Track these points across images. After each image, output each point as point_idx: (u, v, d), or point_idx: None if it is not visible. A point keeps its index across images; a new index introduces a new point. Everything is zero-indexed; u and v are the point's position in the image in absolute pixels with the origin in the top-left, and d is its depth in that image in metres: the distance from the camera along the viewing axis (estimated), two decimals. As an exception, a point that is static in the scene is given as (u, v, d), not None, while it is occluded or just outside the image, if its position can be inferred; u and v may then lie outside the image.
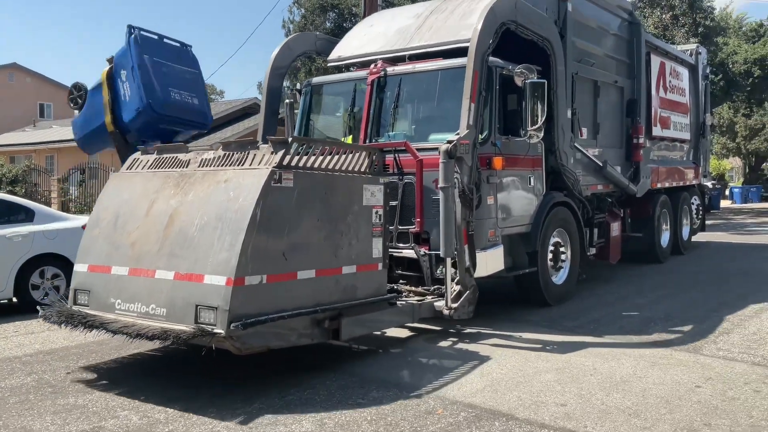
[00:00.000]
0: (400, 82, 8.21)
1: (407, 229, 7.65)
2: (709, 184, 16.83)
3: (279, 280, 5.41)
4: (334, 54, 9.30)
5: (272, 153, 5.53)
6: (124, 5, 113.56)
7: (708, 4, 26.18)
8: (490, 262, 7.57)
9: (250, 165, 5.56)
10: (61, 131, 32.40)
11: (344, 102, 8.79)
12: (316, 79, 9.14)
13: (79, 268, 6.08)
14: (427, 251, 7.50)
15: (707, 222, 16.82)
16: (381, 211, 6.46)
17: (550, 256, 8.72)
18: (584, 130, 9.99)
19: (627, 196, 11.44)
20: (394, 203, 7.67)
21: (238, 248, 5.10)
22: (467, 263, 7.10)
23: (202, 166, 5.88)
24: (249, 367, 5.89)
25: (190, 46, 8.78)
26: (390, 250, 7.68)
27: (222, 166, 5.75)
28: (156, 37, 8.42)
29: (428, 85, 8.14)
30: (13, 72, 43.43)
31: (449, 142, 6.84)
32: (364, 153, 6.41)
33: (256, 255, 5.20)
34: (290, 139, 5.60)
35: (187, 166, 6.00)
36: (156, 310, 5.39)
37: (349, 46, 9.30)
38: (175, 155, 6.21)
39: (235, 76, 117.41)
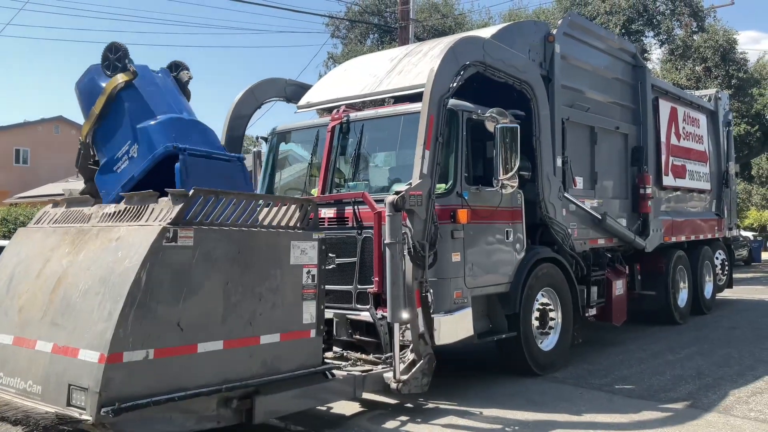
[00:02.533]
0: (362, 128, 7.55)
1: (366, 289, 6.86)
2: (749, 235, 15.62)
3: (172, 355, 4.65)
4: (304, 100, 8.72)
5: (171, 207, 4.85)
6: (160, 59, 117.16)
7: (741, 55, 25.23)
8: (456, 326, 6.69)
9: (146, 221, 4.89)
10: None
11: (309, 150, 8.15)
12: (281, 127, 8.55)
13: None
14: (384, 314, 6.68)
15: (747, 275, 15.60)
16: (314, 271, 5.69)
17: (535, 318, 7.78)
18: (579, 180, 9.13)
19: (636, 251, 10.44)
20: (351, 260, 6.92)
21: (115, 318, 4.39)
22: (421, 329, 6.25)
23: (102, 221, 5.24)
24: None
25: (243, 158, 6.83)
26: (347, 313, 6.96)
27: (119, 221, 5.10)
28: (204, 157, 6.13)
29: (390, 132, 7.46)
30: (59, 124, 44.71)
31: (397, 193, 6.10)
32: (293, 205, 5.69)
33: (140, 326, 4.47)
34: (191, 192, 4.92)
35: (87, 221, 5.37)
36: (33, 387, 4.68)
37: (319, 92, 8.72)
38: (80, 209, 5.59)
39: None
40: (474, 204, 7.00)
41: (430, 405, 6.57)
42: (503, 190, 7.07)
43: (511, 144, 6.86)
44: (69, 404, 4.40)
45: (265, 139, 8.63)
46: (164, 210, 4.87)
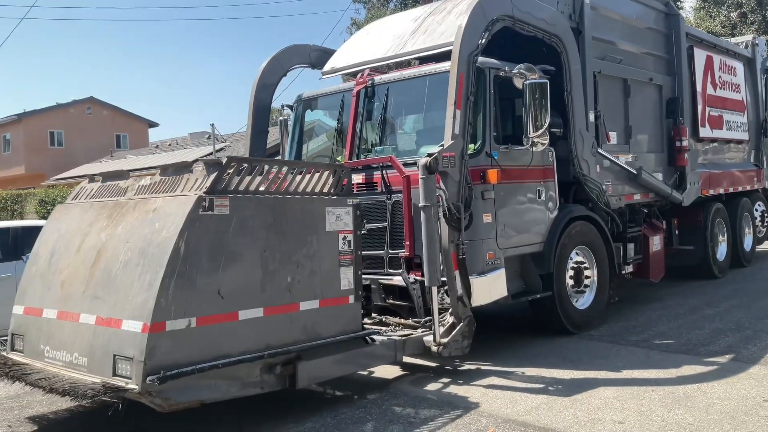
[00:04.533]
0: (387, 91, 7.44)
1: (397, 254, 6.84)
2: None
3: (214, 323, 4.71)
4: (328, 65, 8.62)
5: (205, 176, 4.85)
6: (181, 33, 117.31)
7: (778, -2, 24.34)
8: (490, 288, 6.64)
9: (181, 191, 4.90)
10: (136, 160, 33.50)
11: (335, 116, 8.08)
12: (306, 93, 8.47)
13: (17, 310, 5.56)
14: (417, 278, 6.66)
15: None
16: (350, 237, 5.69)
17: (570, 277, 7.70)
18: (613, 135, 8.92)
19: (673, 205, 10.23)
20: (381, 225, 6.90)
21: (156, 288, 4.43)
22: (459, 291, 6.23)
23: (138, 194, 5.27)
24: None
25: None
26: (380, 278, 6.96)
27: (155, 193, 5.12)
28: None
29: (417, 93, 7.34)
30: (91, 105, 45.13)
31: (429, 155, 6.03)
32: (327, 172, 5.67)
33: (181, 295, 4.52)
34: (225, 160, 4.91)
35: (124, 195, 5.41)
36: (79, 359, 4.78)
37: (343, 57, 8.60)
38: (116, 182, 5.63)
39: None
40: (504, 164, 6.90)
41: (469, 366, 6.58)
42: (534, 149, 6.94)
43: (541, 100, 6.71)
44: (115, 374, 4.48)
45: (291, 107, 8.58)
46: (199, 179, 4.88)
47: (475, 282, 6.47)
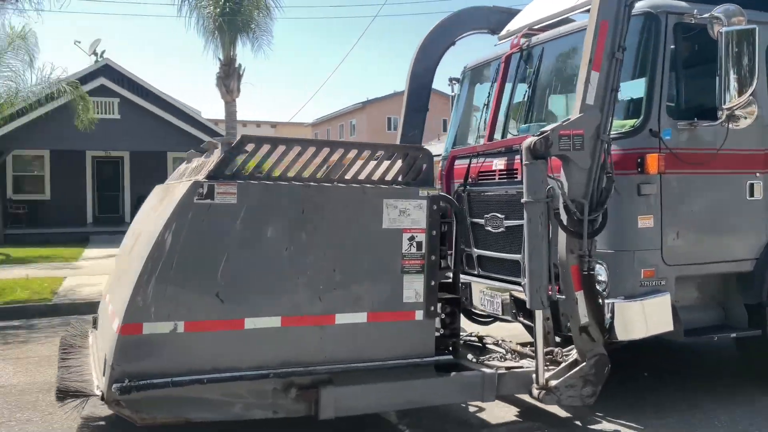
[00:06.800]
0: (541, 54, 5.89)
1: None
2: None
3: (210, 329, 4.02)
4: (504, 30, 7.23)
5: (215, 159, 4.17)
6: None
7: None
8: (645, 317, 4.79)
9: (197, 175, 4.29)
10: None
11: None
12: (472, 62, 7.22)
13: (103, 292, 5.56)
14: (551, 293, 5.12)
15: None
16: (421, 237, 4.50)
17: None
18: None
19: None
20: (519, 222, 5.48)
21: (132, 285, 3.89)
22: (582, 320, 4.59)
23: (184, 177, 4.81)
24: None
25: None
26: (513, 288, 5.59)
27: (189, 176, 4.60)
28: None
29: (575, 55, 5.64)
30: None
31: (541, 133, 4.50)
32: (394, 154, 4.55)
33: (164, 295, 3.91)
34: (236, 140, 4.15)
35: (182, 177, 5.00)
36: (105, 357, 4.48)
37: (519, 17, 7.13)
38: (187, 164, 5.26)
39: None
40: (684, 146, 4.92)
41: (609, 425, 4.86)
42: (733, 124, 4.82)
43: (745, 55, 4.60)
44: (103, 375, 4.07)
45: (458, 80, 7.42)
46: (213, 162, 4.21)
47: (620, 308, 4.72)
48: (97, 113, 21.15)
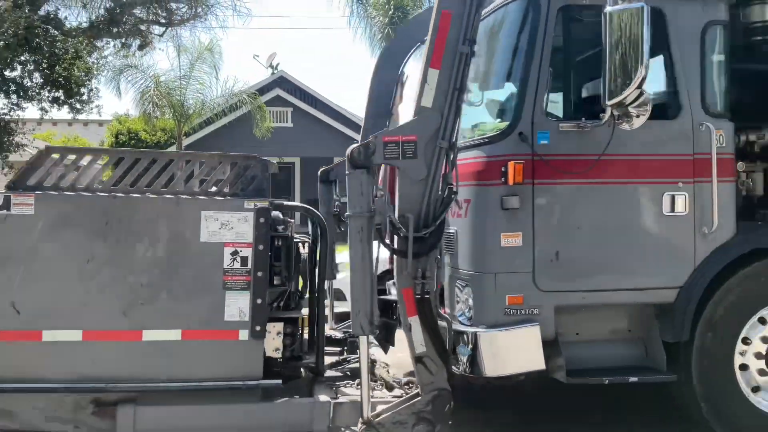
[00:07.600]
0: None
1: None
2: None
3: (5, 339, 3.99)
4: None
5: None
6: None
7: None
8: (507, 351, 4.13)
9: None
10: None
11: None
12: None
13: None
14: (445, 313, 4.58)
15: None
16: (247, 252, 4.18)
17: (740, 357, 4.30)
18: None
19: None
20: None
21: None
22: (419, 349, 4.04)
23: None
24: None
25: None
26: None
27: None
28: None
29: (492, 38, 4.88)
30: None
31: (363, 144, 4.00)
32: (219, 163, 4.27)
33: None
34: (43, 150, 4.09)
35: None
36: None
37: None
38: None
39: None
40: (568, 151, 4.13)
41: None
42: (627, 124, 3.97)
43: (631, 39, 3.77)
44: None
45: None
46: (33, 173, 4.19)
47: (485, 339, 4.10)
48: (273, 122, 22.99)
